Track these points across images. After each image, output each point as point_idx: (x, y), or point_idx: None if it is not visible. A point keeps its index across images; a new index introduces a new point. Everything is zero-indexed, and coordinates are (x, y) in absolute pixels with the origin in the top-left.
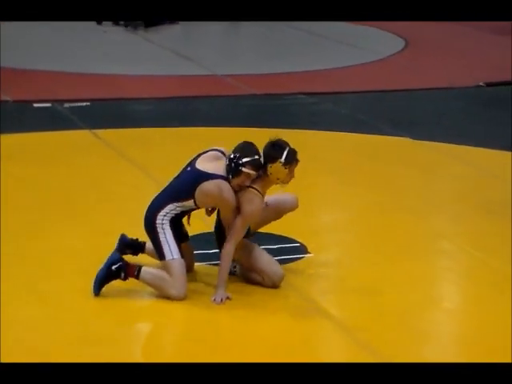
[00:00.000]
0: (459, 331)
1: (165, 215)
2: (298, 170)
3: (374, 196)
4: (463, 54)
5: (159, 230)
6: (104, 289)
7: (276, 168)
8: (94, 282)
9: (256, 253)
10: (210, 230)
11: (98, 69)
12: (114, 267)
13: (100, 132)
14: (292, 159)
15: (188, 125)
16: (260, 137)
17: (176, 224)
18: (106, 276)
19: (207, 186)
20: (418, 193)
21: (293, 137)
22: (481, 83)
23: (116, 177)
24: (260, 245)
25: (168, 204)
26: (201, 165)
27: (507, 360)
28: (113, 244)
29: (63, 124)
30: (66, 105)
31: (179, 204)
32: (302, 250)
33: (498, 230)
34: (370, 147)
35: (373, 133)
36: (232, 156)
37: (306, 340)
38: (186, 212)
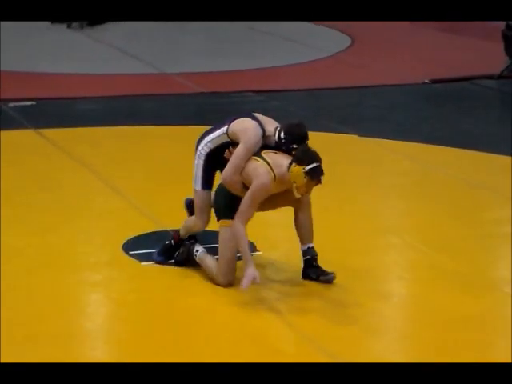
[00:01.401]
0: (405, 327)
1: (205, 144)
2: None
3: (322, 192)
4: (409, 51)
5: (196, 158)
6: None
7: (297, 171)
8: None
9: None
10: (159, 229)
11: (43, 68)
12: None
13: (46, 131)
14: (315, 175)
15: (135, 123)
16: None
17: (214, 158)
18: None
19: (244, 120)
20: (365, 189)
21: None
22: (427, 80)
23: (62, 175)
24: (208, 243)
25: (209, 134)
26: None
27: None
28: (54, 243)
29: (8, 124)
30: (11, 104)
31: (218, 133)
32: (251, 247)
33: (444, 225)
34: (318, 144)
35: (321, 130)
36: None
37: (255, 338)
38: (224, 146)
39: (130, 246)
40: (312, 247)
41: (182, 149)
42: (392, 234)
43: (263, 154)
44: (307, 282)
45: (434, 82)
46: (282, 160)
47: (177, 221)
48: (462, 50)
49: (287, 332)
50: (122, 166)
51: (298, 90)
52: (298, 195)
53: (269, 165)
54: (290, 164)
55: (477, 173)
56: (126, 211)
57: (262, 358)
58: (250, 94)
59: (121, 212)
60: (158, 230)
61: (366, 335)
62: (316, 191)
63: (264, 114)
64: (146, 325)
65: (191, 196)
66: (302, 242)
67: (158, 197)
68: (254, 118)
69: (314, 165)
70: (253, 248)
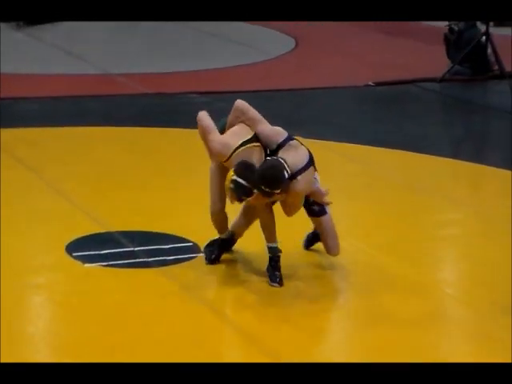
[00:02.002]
0: (351, 327)
1: None
2: (186, 168)
3: None
4: (353, 53)
5: None
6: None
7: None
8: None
9: None
10: (103, 230)
11: None
12: None
13: None
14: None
15: (80, 124)
16: (152, 136)
17: None
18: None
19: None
20: None
21: (185, 136)
22: (370, 83)
23: (3, 177)
24: (151, 245)
25: None
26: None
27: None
28: None
29: None
30: None
31: None
32: (196, 249)
33: (389, 227)
34: None
35: None
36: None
37: (201, 340)
38: None
39: (73, 247)
40: (271, 246)
41: (127, 150)
42: (340, 237)
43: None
44: (253, 284)
45: (378, 84)
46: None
47: (121, 222)
48: (405, 52)
49: (234, 335)
50: (65, 167)
51: (244, 92)
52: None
53: None
54: None
55: (420, 175)
56: (70, 213)
57: (204, 358)
58: (195, 95)
59: (64, 214)
60: (102, 231)
61: (310, 336)
62: None
63: (210, 115)
64: (90, 327)
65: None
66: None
67: (103, 198)
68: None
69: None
70: (197, 249)
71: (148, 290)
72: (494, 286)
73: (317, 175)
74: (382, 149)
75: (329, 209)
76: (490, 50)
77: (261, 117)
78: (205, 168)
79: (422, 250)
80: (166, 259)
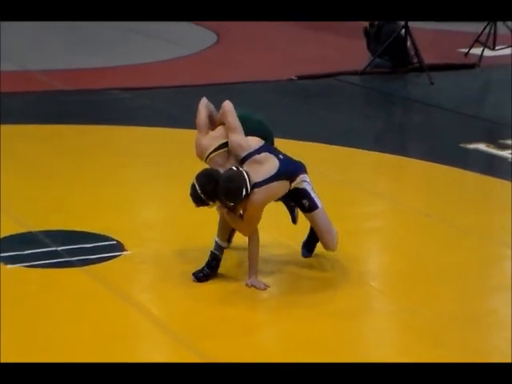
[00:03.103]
0: (278, 323)
1: None
2: (108, 166)
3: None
4: (276, 48)
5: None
6: None
7: None
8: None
9: None
10: (24, 230)
11: None
12: None
13: None
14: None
15: None
16: (72, 134)
17: None
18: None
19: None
20: None
21: (108, 133)
22: (293, 77)
23: None
24: (74, 244)
25: None
26: None
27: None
28: None
29: None
30: None
31: None
32: (119, 247)
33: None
34: (185, 143)
35: (189, 127)
36: None
37: (127, 340)
38: None
39: None
40: (216, 241)
41: (47, 148)
42: (264, 231)
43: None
44: (179, 281)
45: (300, 78)
46: None
47: (43, 221)
48: (326, 47)
49: (159, 333)
50: None
51: (166, 88)
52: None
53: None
54: None
55: (344, 168)
56: None
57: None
58: (117, 91)
59: None
60: (23, 231)
61: (239, 333)
62: (185, 189)
63: (132, 111)
64: (13, 330)
65: None
66: None
67: (22, 197)
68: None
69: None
70: (121, 248)
71: (72, 290)
72: (416, 277)
73: (307, 178)
74: (305, 143)
75: (320, 203)
76: (409, 43)
77: (237, 125)
78: (128, 165)
79: (347, 243)
80: (89, 258)
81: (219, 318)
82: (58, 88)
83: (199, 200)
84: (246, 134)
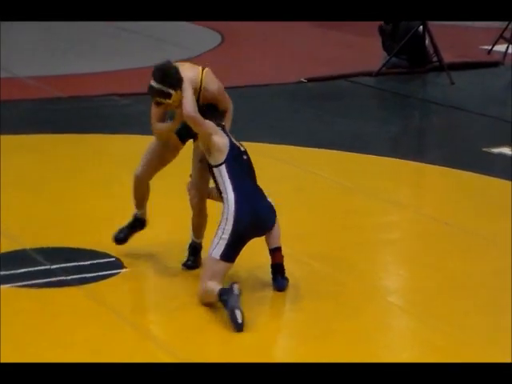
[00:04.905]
0: (293, 343)
1: None
2: (105, 176)
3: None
4: (284, 48)
5: None
6: None
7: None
8: None
9: None
10: (16, 248)
11: None
12: None
13: None
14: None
15: None
16: (67, 143)
17: None
18: None
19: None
20: None
21: (103, 142)
22: (302, 79)
23: None
24: (69, 262)
25: None
26: None
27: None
28: None
29: None
30: None
31: None
32: (118, 264)
33: (325, 232)
34: (185, 148)
35: None
36: None
37: (126, 361)
38: None
39: None
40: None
41: (39, 159)
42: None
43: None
44: (184, 300)
45: (310, 80)
46: None
47: (36, 238)
48: (337, 46)
49: (155, 350)
50: None
51: None
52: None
53: None
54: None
55: (356, 176)
56: None
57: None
58: (115, 97)
59: None
60: (16, 248)
61: (242, 349)
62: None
63: (130, 118)
64: (5, 353)
65: None
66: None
67: (14, 212)
68: None
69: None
70: (120, 265)
71: (68, 311)
72: (436, 291)
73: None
74: (316, 149)
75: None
76: (427, 41)
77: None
78: (125, 176)
79: (360, 256)
80: (85, 277)
81: (221, 339)
82: (51, 95)
83: (157, 92)
84: None
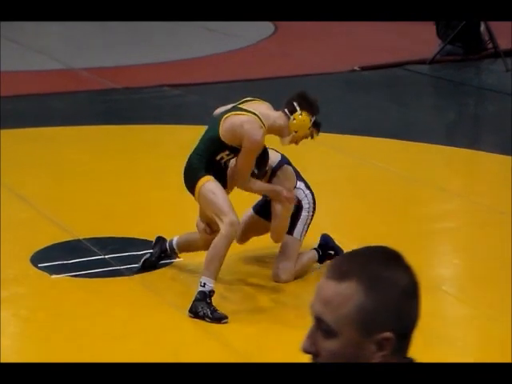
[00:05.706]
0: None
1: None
2: (157, 168)
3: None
4: (337, 36)
5: None
6: None
7: (305, 120)
8: None
9: None
10: (70, 238)
11: None
12: None
13: None
14: (319, 126)
15: (43, 125)
16: (121, 135)
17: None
18: None
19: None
20: None
21: (157, 132)
22: (356, 67)
23: None
24: (123, 251)
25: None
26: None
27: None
28: None
29: None
30: None
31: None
32: (172, 255)
33: (378, 222)
34: None
35: None
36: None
37: (180, 350)
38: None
39: (39, 258)
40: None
41: (94, 151)
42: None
43: (243, 105)
44: (232, 290)
45: (364, 68)
46: (266, 109)
47: (89, 228)
48: (391, 33)
49: (208, 339)
50: (28, 171)
51: (218, 83)
52: (285, 144)
53: (258, 116)
54: (291, 112)
55: (410, 164)
56: (34, 220)
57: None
58: (166, 88)
59: (28, 221)
60: (69, 239)
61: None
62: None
63: (181, 109)
64: (59, 344)
65: None
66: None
67: (68, 203)
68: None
69: (317, 116)
70: (174, 255)
71: (121, 301)
72: (492, 280)
73: (300, 184)
74: (370, 138)
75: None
76: (482, 27)
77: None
78: (178, 167)
79: (415, 246)
80: (139, 266)
81: (271, 324)
82: (105, 86)
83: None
84: None
